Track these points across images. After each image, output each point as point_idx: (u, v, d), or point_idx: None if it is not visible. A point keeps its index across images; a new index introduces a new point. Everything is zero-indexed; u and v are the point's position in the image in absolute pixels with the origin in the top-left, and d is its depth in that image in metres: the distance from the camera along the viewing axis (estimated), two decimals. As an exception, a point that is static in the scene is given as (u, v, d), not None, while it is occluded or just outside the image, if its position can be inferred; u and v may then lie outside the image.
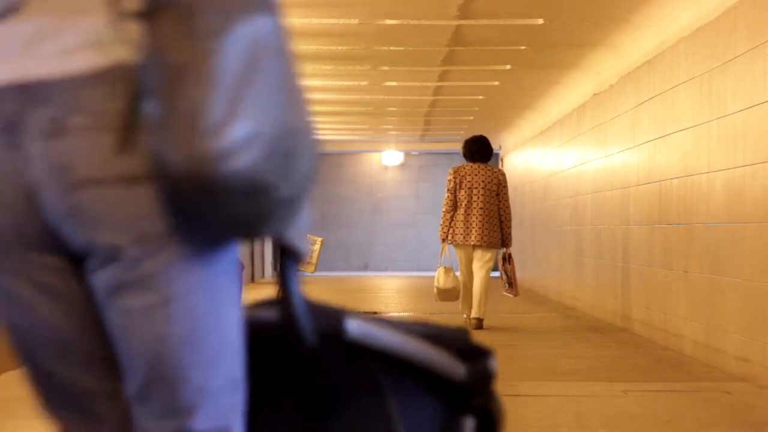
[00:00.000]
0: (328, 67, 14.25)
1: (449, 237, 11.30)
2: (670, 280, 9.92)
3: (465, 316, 11.55)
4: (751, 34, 7.83)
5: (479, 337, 9.42)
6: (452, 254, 11.51)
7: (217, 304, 1.77)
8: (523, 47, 12.30)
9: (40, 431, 6.12)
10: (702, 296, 8.96)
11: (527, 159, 20.82)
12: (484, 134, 12.07)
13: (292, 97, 1.70)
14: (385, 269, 28.46)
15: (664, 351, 9.59)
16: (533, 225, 19.75)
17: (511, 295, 11.59)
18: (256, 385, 1.87)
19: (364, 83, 15.63)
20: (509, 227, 11.24)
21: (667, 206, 10.06)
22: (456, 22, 11.02)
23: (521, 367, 8.75)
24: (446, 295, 11.29)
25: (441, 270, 11.32)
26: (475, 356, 2.09)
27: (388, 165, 29.14)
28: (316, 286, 20.51)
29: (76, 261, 1.77)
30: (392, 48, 12.62)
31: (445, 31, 11.51)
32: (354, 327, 1.93)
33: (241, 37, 1.65)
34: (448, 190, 11.42)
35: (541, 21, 10.84)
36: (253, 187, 1.63)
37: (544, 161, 18.35)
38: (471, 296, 11.31)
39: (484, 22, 11.06)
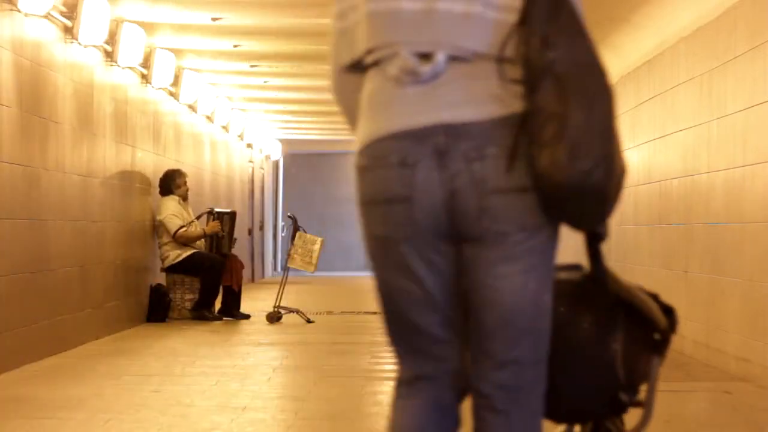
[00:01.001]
0: (329, 67, 14.24)
1: None
2: (670, 280, 9.92)
3: None
4: (751, 34, 7.83)
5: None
6: None
7: (550, 275, 2.71)
8: (523, 47, 12.30)
9: (39, 431, 6.15)
10: (702, 296, 8.96)
11: (527, 159, 20.81)
12: None
13: (613, 131, 2.61)
14: (385, 269, 28.41)
15: (664, 351, 9.59)
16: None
17: None
18: (571, 314, 2.92)
19: (364, 83, 15.63)
20: None
21: (667, 206, 10.06)
22: (456, 22, 11.02)
23: (521, 367, 8.74)
24: None
25: None
26: (668, 311, 3.15)
27: (388, 165, 29.14)
28: (316, 285, 20.49)
29: (455, 245, 2.66)
30: (392, 48, 12.62)
31: (445, 31, 11.51)
32: (623, 288, 3.01)
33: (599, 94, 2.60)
34: None
35: (541, 21, 10.84)
36: (598, 193, 2.56)
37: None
38: None
39: (484, 22, 11.05)
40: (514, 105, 2.60)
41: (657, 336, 3.11)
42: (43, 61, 8.78)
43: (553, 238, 2.69)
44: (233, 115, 18.33)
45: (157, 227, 12.52)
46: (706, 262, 8.85)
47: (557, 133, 2.53)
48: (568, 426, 3.23)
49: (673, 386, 7.61)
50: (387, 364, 9.01)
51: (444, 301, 2.71)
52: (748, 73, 7.88)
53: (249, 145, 21.33)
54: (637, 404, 3.23)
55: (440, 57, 2.61)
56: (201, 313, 12.47)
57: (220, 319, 12.63)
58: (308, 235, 12.71)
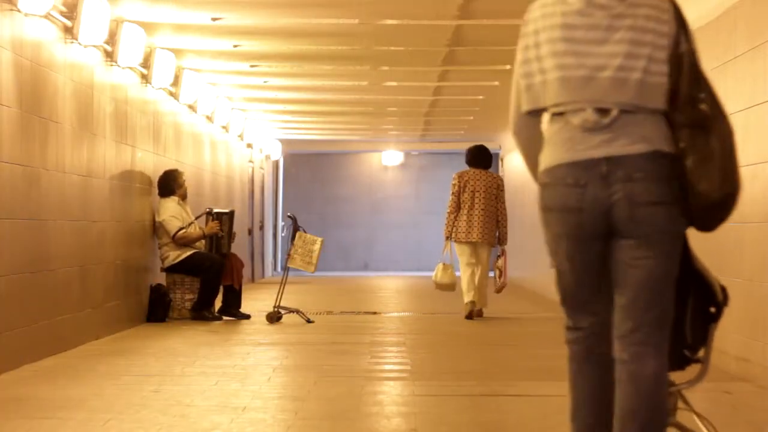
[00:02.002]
0: (328, 67, 14.24)
1: (453, 235, 12.73)
2: (670, 280, 9.91)
3: (466, 301, 12.75)
4: (751, 34, 7.83)
5: (480, 329, 9.32)
6: (453, 252, 12.90)
7: (676, 259, 3.93)
8: (523, 47, 12.27)
9: (39, 431, 6.14)
10: (702, 296, 8.95)
11: (527, 159, 20.77)
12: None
13: (738, 160, 3.91)
14: (385, 269, 28.44)
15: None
16: (533, 225, 19.73)
17: (499, 284, 12.87)
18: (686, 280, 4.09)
19: (364, 83, 15.62)
20: (505, 227, 12.83)
21: (667, 206, 10.05)
22: (456, 22, 11.00)
23: (521, 367, 8.74)
24: (442, 287, 12.83)
25: (440, 266, 12.80)
26: (722, 288, 4.23)
27: (388, 165, 29.12)
28: (316, 286, 20.48)
29: (607, 240, 3.91)
30: (392, 48, 12.61)
31: (445, 31, 11.50)
32: (699, 264, 4.20)
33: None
34: (452, 193, 12.81)
35: (541, 21, 10.82)
36: (732, 206, 3.88)
37: (544, 161, 18.32)
38: (474, 283, 12.64)
39: (484, 22, 11.05)
40: (660, 144, 3.86)
41: (713, 309, 4.21)
42: (43, 61, 8.78)
43: (679, 236, 3.94)
44: (233, 115, 18.32)
45: (157, 228, 12.52)
46: (706, 262, 8.84)
47: (711, 167, 3.83)
48: None
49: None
50: (387, 364, 9.02)
51: (593, 277, 3.98)
52: (748, 73, 7.88)
53: (249, 145, 21.32)
54: (696, 361, 4.42)
55: (615, 112, 3.86)
56: (201, 313, 12.46)
57: (220, 319, 12.63)
58: (308, 235, 12.71)
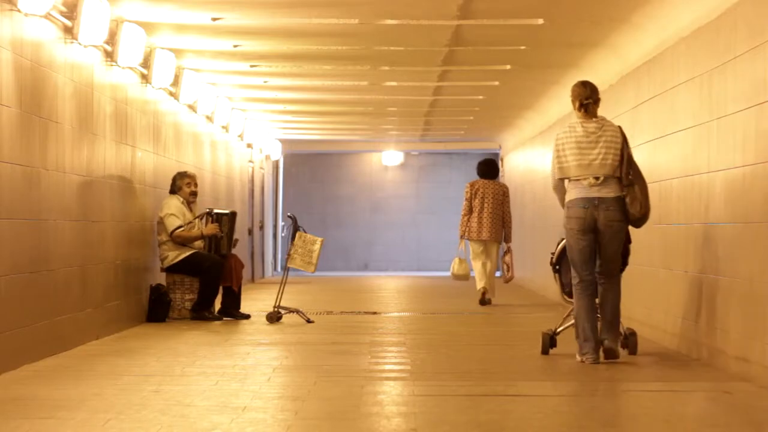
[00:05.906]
0: (328, 67, 14.24)
1: (466, 233, 15.38)
2: (670, 280, 9.92)
3: (479, 288, 15.27)
4: (751, 34, 7.83)
5: (480, 329, 9.34)
6: (466, 248, 15.56)
7: (623, 242, 8.86)
8: (523, 47, 12.29)
9: (39, 431, 6.14)
10: (702, 296, 8.96)
11: (527, 159, 20.80)
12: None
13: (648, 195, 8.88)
14: (385, 269, 28.42)
15: (665, 351, 9.58)
16: (533, 225, 19.74)
17: (507, 277, 15.30)
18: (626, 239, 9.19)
19: (364, 83, 15.62)
20: (510, 227, 15.50)
21: (667, 206, 10.06)
22: (456, 22, 11.00)
23: (521, 367, 8.74)
24: (458, 278, 15.53)
25: (456, 260, 15.45)
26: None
27: (388, 165, 29.10)
28: (316, 286, 20.48)
29: (596, 232, 8.77)
30: (392, 48, 12.60)
31: (445, 31, 11.50)
32: (628, 246, 9.17)
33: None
34: (465, 199, 15.46)
35: (541, 21, 10.84)
36: (646, 219, 8.75)
37: (544, 161, 18.34)
38: (485, 273, 15.25)
39: (484, 22, 11.04)
40: (619, 192, 8.64)
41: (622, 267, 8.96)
42: (43, 61, 8.78)
43: (623, 235, 8.72)
44: (233, 115, 18.32)
45: (158, 223, 12.54)
46: (706, 262, 8.86)
47: (636, 202, 8.60)
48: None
49: (673, 386, 7.61)
50: (387, 364, 9.02)
51: (591, 252, 8.67)
52: (748, 73, 7.88)
53: (249, 145, 21.31)
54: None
55: (602, 178, 8.64)
56: (201, 313, 12.47)
57: (220, 319, 12.63)
58: (308, 235, 12.70)
